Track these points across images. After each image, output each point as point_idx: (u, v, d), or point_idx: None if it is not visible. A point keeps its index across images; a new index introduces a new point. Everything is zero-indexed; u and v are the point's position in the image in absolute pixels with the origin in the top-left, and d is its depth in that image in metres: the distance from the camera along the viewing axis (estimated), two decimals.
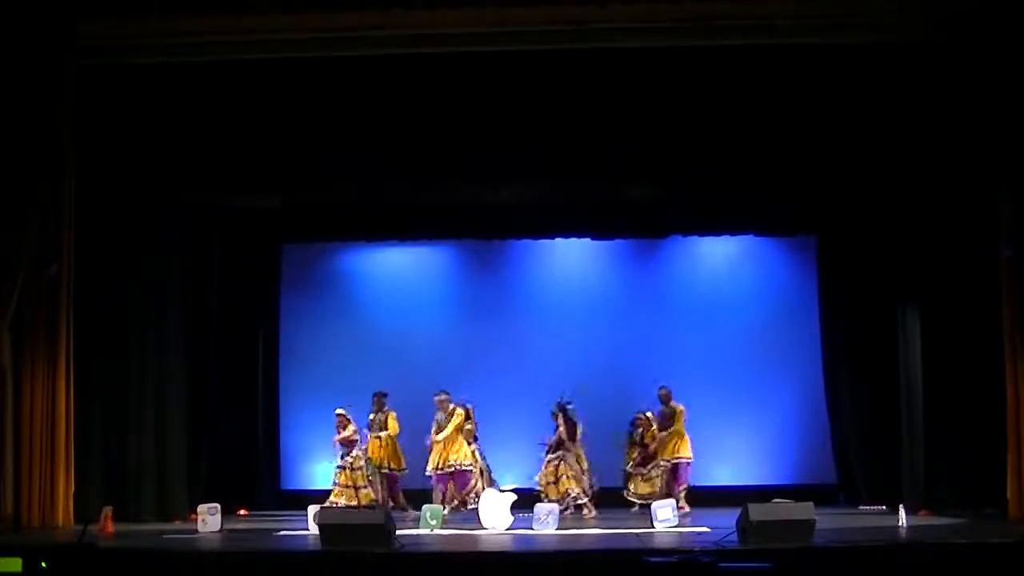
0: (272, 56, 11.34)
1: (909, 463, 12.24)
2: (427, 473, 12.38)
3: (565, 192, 13.04)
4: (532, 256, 14.71)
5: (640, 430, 12.89)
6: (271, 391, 14.42)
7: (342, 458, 12.26)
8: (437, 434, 12.33)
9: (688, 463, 12.75)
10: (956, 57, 11.07)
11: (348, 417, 12.35)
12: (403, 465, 12.70)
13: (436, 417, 12.47)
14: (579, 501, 12.09)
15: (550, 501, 11.54)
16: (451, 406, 12.43)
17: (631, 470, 12.88)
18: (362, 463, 12.19)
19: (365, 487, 12.07)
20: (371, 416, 12.71)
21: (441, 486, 12.29)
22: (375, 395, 12.72)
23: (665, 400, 12.85)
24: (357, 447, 12.26)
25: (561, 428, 12.29)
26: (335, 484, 12.24)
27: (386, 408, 12.68)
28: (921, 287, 12.18)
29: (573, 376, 13.07)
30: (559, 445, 12.28)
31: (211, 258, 13.55)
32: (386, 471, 12.57)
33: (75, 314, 11.22)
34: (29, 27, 10.88)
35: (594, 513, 12.07)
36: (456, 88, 11.66)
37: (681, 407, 12.80)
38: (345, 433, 12.24)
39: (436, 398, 12.50)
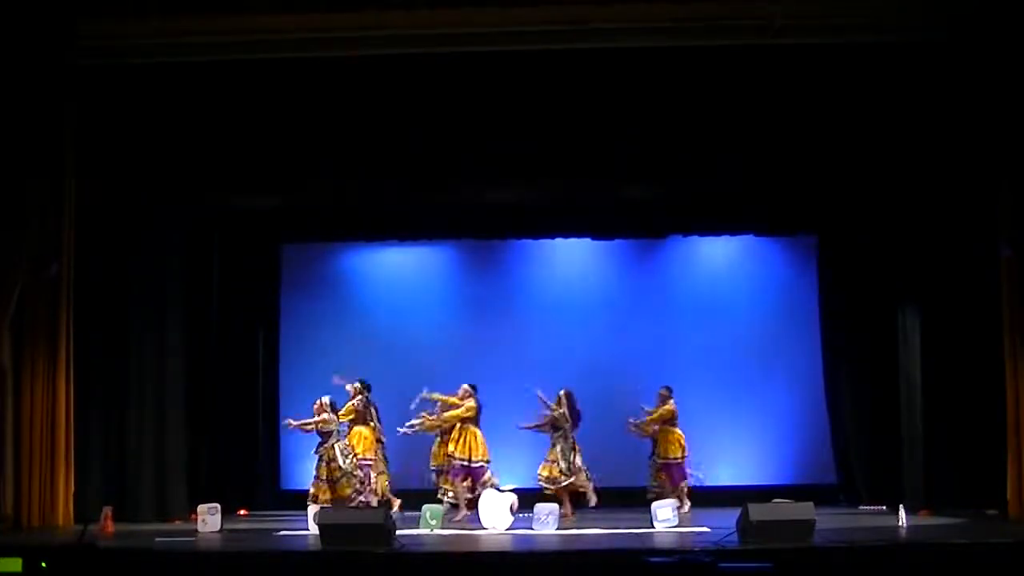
0: (272, 56, 11.34)
1: (909, 463, 12.24)
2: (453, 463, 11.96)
3: (565, 192, 13.05)
4: (532, 256, 14.70)
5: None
6: (271, 391, 14.42)
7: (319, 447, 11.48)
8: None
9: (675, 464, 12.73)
10: (956, 56, 11.07)
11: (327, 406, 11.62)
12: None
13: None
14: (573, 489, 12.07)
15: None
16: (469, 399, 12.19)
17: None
18: (336, 454, 11.40)
19: (341, 478, 11.31)
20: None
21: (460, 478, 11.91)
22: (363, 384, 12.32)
23: (663, 400, 12.80)
24: (334, 437, 11.46)
25: (559, 412, 12.20)
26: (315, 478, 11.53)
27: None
28: (921, 287, 12.19)
29: (573, 376, 13.05)
30: (555, 428, 12.21)
31: (211, 258, 13.56)
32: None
33: (75, 314, 11.22)
34: (29, 27, 10.88)
35: (594, 501, 12.03)
36: (456, 88, 11.66)
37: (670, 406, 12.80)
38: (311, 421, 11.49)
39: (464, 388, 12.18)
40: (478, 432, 12.03)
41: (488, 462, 11.94)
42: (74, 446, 11.18)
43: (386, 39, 11.18)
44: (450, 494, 11.85)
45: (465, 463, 11.86)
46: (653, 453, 12.84)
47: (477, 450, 11.92)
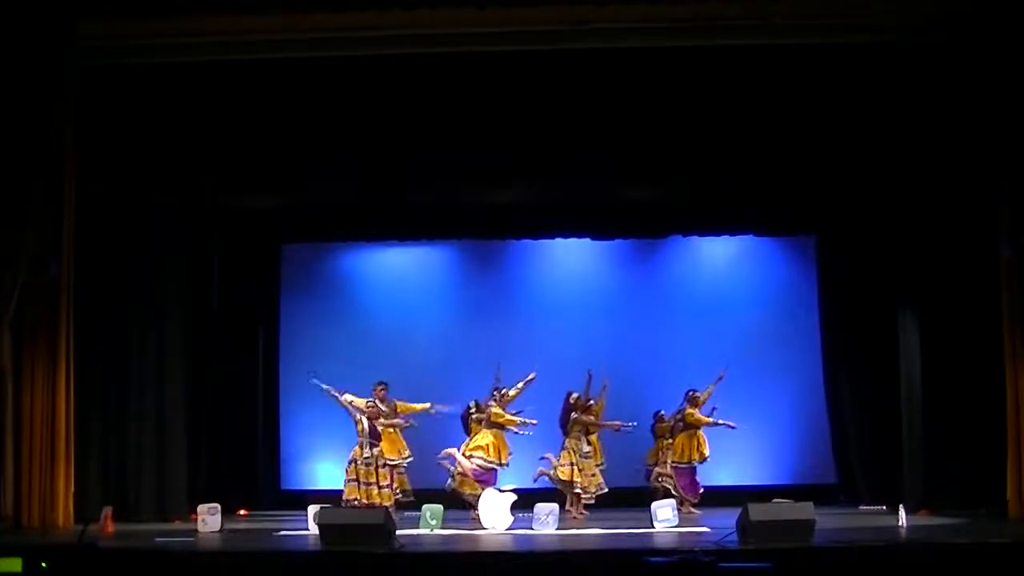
0: (272, 56, 11.35)
1: (909, 463, 12.23)
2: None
3: (565, 192, 13.05)
4: (532, 256, 14.71)
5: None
6: (271, 391, 14.42)
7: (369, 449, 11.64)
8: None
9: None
10: (956, 57, 11.07)
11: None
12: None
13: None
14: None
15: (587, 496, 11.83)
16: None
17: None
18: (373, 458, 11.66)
19: (386, 485, 11.56)
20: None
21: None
22: (379, 385, 12.28)
23: (694, 404, 12.83)
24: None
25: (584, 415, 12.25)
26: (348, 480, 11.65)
27: (390, 399, 12.37)
28: (921, 287, 12.18)
29: (573, 376, 13.03)
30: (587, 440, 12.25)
31: (211, 258, 13.56)
32: (395, 462, 12.22)
33: (75, 314, 11.22)
34: (29, 27, 10.88)
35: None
36: (456, 88, 11.66)
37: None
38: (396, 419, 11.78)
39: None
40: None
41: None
42: (74, 446, 11.17)
43: (386, 39, 11.19)
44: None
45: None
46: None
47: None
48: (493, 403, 11.93)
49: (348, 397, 11.95)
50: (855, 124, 11.71)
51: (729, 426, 12.66)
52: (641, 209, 13.81)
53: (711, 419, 12.66)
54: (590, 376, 12.42)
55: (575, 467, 12.05)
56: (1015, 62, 10.59)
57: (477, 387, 12.47)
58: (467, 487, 11.55)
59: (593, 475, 12.17)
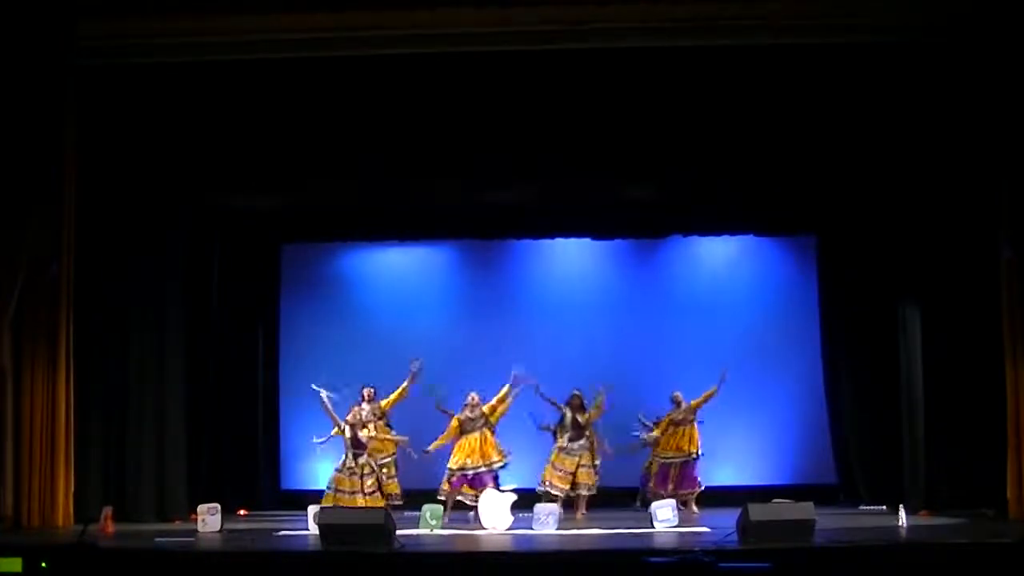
0: (272, 56, 11.35)
1: (909, 463, 12.24)
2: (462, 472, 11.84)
3: (565, 192, 13.05)
4: (532, 256, 14.71)
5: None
6: (271, 391, 14.41)
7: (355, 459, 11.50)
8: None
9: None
10: (956, 57, 11.08)
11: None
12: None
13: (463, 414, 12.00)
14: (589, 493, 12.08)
15: (556, 492, 11.72)
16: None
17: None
18: (372, 467, 11.59)
19: (372, 492, 11.44)
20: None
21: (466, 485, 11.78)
22: (366, 389, 12.27)
23: (677, 403, 12.81)
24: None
25: (582, 415, 12.21)
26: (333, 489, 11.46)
27: (377, 400, 12.26)
28: (921, 287, 12.18)
29: (573, 376, 13.04)
30: (580, 434, 12.18)
31: (211, 258, 13.56)
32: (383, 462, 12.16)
33: (75, 314, 11.23)
34: (29, 28, 10.88)
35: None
36: (457, 88, 11.66)
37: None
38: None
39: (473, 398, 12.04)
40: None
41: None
42: (74, 446, 11.18)
43: (386, 39, 11.19)
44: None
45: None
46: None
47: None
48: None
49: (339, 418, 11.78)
50: (855, 124, 11.72)
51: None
52: (641, 209, 13.81)
53: (657, 432, 12.62)
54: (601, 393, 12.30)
55: (550, 464, 12.05)
56: (1015, 62, 10.60)
57: (475, 388, 12.47)
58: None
59: (570, 473, 11.98)
